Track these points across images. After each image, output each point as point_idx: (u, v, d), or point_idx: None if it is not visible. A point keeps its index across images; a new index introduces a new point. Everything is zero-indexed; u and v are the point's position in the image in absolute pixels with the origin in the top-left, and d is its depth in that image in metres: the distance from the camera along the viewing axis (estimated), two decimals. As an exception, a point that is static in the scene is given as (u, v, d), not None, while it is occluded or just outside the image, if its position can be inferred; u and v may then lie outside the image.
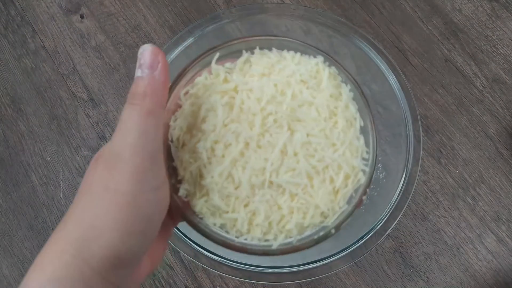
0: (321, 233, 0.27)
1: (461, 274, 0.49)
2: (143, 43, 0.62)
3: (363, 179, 0.26)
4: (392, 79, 0.47)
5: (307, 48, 0.28)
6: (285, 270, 0.42)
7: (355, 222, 0.47)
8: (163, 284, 0.49)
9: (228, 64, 0.28)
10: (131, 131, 0.21)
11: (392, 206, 0.43)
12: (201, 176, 0.26)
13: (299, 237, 0.27)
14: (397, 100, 0.47)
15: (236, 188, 0.25)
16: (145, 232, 0.22)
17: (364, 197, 0.26)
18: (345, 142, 0.26)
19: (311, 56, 0.28)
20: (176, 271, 0.49)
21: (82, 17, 0.60)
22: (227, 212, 0.25)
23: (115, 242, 0.21)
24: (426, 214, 0.51)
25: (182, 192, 0.26)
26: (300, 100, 0.26)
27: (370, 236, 0.43)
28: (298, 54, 0.28)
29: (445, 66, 0.57)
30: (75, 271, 0.20)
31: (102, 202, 0.21)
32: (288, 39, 0.28)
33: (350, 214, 0.26)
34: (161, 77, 0.23)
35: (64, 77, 0.58)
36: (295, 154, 0.25)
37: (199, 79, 0.27)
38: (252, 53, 0.28)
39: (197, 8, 0.61)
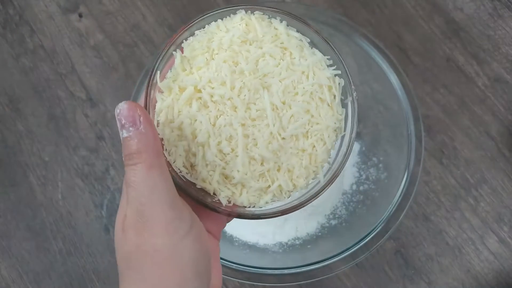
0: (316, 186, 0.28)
1: (463, 275, 0.49)
2: (142, 42, 0.62)
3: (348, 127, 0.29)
4: (393, 78, 0.47)
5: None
6: (285, 271, 0.42)
7: (357, 222, 0.47)
8: (162, 285, 0.49)
9: (169, 73, 0.28)
10: (143, 191, 0.22)
11: (394, 206, 0.43)
12: (228, 177, 0.27)
13: (303, 191, 0.29)
14: (398, 100, 0.47)
15: (262, 164, 0.26)
16: (199, 275, 0.23)
17: (355, 96, 0.29)
18: (309, 63, 0.28)
19: (231, 15, 0.29)
20: (175, 272, 0.49)
21: (80, 16, 0.60)
22: (269, 186, 0.27)
23: None
24: (428, 214, 0.51)
25: (224, 201, 0.27)
26: (253, 59, 0.27)
27: (371, 237, 0.43)
28: (220, 21, 0.28)
29: (446, 66, 0.57)
30: None
31: (148, 265, 0.22)
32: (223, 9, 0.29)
33: (340, 167, 0.28)
34: (147, 130, 0.23)
35: (63, 77, 0.57)
36: (284, 103, 0.27)
37: (158, 106, 0.27)
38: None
39: (197, 6, 0.60)
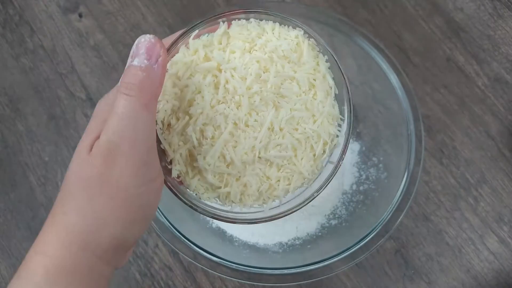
0: (306, 196, 0.29)
1: (463, 275, 0.49)
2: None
3: (341, 143, 0.29)
4: (393, 78, 0.47)
5: (284, 19, 0.28)
6: (285, 271, 0.42)
7: (356, 222, 0.47)
8: (162, 285, 0.49)
9: (204, 37, 0.28)
10: (128, 125, 0.21)
11: (394, 206, 0.43)
12: (191, 157, 0.27)
13: (285, 201, 0.29)
14: (398, 100, 0.47)
15: (228, 166, 0.27)
16: (145, 219, 0.24)
17: (341, 162, 0.28)
18: (323, 112, 0.28)
19: (290, 27, 0.28)
20: (175, 272, 0.49)
21: (80, 16, 0.60)
22: (220, 187, 0.27)
23: (118, 231, 0.23)
24: (428, 214, 0.51)
25: (174, 174, 0.27)
26: (283, 76, 0.27)
27: (371, 237, 0.43)
28: (277, 25, 0.28)
29: (446, 66, 0.57)
30: (82, 261, 0.22)
31: (104, 196, 0.22)
32: (267, 11, 0.28)
33: (329, 178, 0.29)
34: (159, 71, 0.22)
35: (63, 77, 0.57)
36: (281, 130, 0.27)
37: (178, 57, 0.27)
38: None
39: (197, 7, 0.60)
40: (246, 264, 0.41)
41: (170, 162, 0.27)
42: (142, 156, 0.22)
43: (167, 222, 0.42)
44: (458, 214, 0.51)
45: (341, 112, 0.29)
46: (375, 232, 0.43)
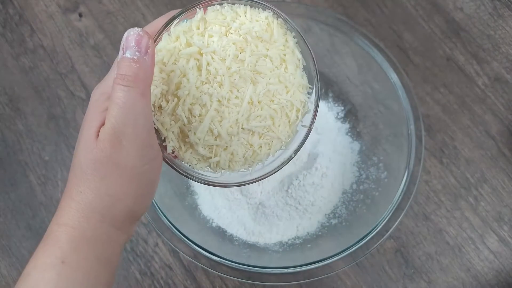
0: (286, 157, 0.33)
1: (463, 275, 0.49)
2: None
3: (311, 108, 0.32)
4: (393, 77, 0.47)
5: (254, 2, 0.32)
6: (285, 270, 0.42)
7: (357, 222, 0.47)
8: (162, 284, 0.49)
9: (183, 23, 0.31)
10: (129, 113, 0.24)
11: (394, 206, 0.43)
12: (183, 133, 0.31)
13: (267, 163, 0.33)
14: (398, 99, 0.47)
15: (215, 138, 0.30)
16: (150, 193, 0.28)
17: (312, 125, 0.32)
18: (295, 83, 0.31)
19: (260, 9, 0.32)
20: (175, 271, 0.49)
21: (80, 15, 0.60)
22: (211, 157, 0.31)
23: (129, 205, 0.26)
24: (428, 214, 0.51)
25: (169, 149, 0.31)
26: (257, 55, 0.30)
27: (371, 236, 0.42)
28: (249, 8, 0.31)
29: (446, 65, 0.57)
30: (101, 231, 0.26)
31: (114, 176, 0.25)
32: None
33: (304, 140, 0.33)
34: (150, 60, 0.25)
35: (63, 76, 0.57)
36: (259, 102, 0.30)
37: (161, 44, 0.30)
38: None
39: (197, 6, 0.60)
40: (246, 263, 0.41)
41: (164, 140, 0.30)
42: (144, 138, 0.26)
43: (167, 221, 0.42)
44: (458, 213, 0.51)
45: (310, 82, 0.33)
46: (375, 232, 0.42)
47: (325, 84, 0.53)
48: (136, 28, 0.25)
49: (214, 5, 0.31)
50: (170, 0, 0.60)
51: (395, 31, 0.58)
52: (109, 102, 0.25)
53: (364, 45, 0.48)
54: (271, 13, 0.31)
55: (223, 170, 0.32)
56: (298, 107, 0.32)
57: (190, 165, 0.32)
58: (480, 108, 0.55)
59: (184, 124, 0.30)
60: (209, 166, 0.32)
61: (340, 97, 0.53)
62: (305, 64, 0.32)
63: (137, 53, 0.24)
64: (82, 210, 0.25)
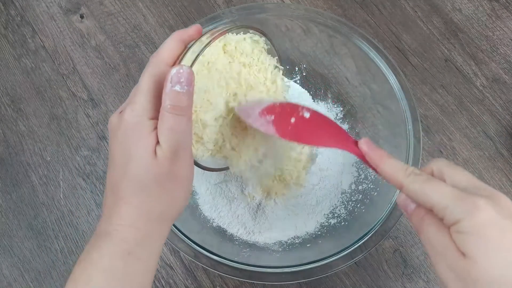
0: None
1: (461, 274, 0.49)
2: (143, 43, 0.62)
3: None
4: (392, 78, 0.47)
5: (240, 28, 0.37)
6: (285, 270, 0.42)
7: (355, 221, 0.48)
8: (163, 284, 0.49)
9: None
10: (181, 136, 0.30)
11: (392, 205, 0.43)
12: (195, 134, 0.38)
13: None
14: (397, 100, 0.47)
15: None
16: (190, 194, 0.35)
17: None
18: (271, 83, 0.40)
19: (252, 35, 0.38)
20: (176, 271, 0.49)
21: (82, 17, 0.60)
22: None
23: (182, 207, 0.33)
24: (426, 214, 0.51)
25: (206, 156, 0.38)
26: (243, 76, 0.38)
27: (370, 236, 0.43)
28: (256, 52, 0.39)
29: (445, 66, 0.57)
30: (159, 231, 0.31)
31: (173, 184, 0.31)
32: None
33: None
34: (192, 92, 0.30)
35: (64, 77, 0.58)
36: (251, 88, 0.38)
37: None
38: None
39: (197, 7, 0.61)
40: (246, 262, 0.42)
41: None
42: (190, 152, 0.31)
43: (168, 221, 0.43)
44: (456, 213, 0.51)
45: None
46: (374, 231, 0.43)
47: (324, 85, 0.53)
48: (184, 65, 0.29)
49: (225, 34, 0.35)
50: (170, 1, 0.61)
51: (393, 32, 0.59)
52: (161, 126, 0.29)
53: (363, 46, 0.48)
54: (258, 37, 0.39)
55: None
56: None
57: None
58: (478, 108, 0.55)
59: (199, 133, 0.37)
60: (211, 152, 0.37)
61: (339, 98, 0.53)
62: (282, 68, 0.40)
63: (185, 87, 0.29)
64: (146, 215, 0.30)
